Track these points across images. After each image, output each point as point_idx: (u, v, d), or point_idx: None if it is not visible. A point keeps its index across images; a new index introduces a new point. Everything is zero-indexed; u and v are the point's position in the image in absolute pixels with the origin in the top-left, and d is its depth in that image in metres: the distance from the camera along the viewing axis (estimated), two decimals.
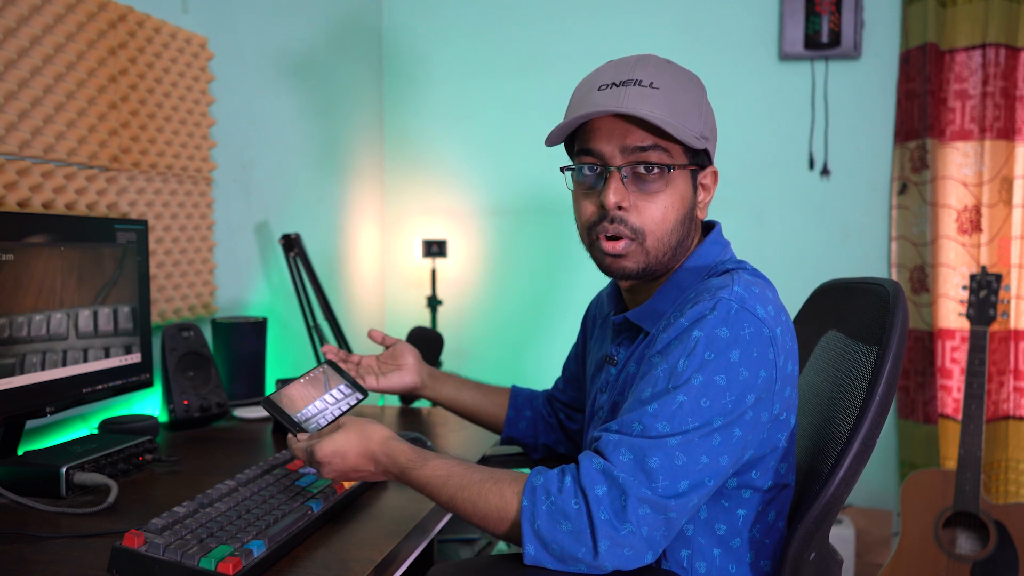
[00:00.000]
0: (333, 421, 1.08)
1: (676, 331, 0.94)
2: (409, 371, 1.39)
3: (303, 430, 1.05)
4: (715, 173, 1.08)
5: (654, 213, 1.01)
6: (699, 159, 1.05)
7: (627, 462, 0.87)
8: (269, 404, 1.07)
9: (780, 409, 0.96)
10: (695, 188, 1.05)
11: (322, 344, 2.07)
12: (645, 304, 1.06)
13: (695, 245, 1.09)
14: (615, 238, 1.01)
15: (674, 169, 1.01)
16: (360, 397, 1.16)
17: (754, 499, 1.00)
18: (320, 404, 1.11)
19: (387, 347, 1.42)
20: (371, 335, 1.41)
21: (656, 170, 1.00)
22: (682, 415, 0.88)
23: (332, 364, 1.19)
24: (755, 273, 1.04)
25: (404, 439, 1.39)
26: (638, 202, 1.01)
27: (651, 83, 0.99)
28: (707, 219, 1.12)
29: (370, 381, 1.38)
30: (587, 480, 0.87)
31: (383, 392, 1.39)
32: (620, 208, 1.00)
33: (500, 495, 0.91)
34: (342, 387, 1.16)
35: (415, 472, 0.98)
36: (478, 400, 1.41)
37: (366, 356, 1.41)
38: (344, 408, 1.12)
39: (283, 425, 1.10)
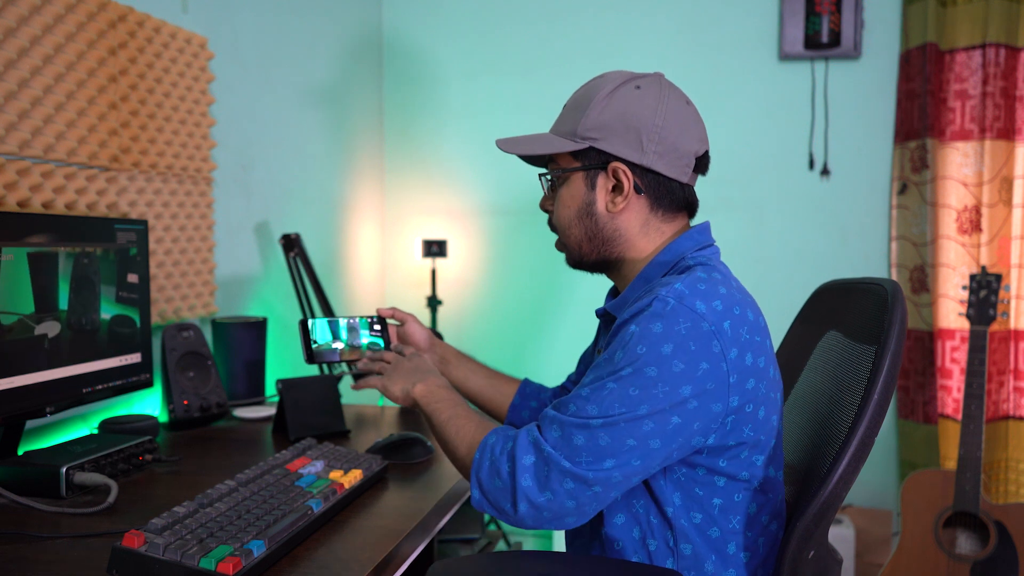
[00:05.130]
0: (341, 361, 1.35)
1: (618, 324, 1.00)
2: (422, 355, 1.41)
3: (313, 361, 1.30)
4: (623, 170, 1.07)
5: (556, 213, 1.16)
6: (588, 159, 1.09)
7: (556, 438, 0.97)
8: (303, 326, 1.33)
9: (741, 402, 0.97)
10: (592, 187, 1.10)
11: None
12: (619, 296, 1.13)
13: (667, 241, 1.10)
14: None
15: (560, 174, 1.13)
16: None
17: (730, 489, 1.01)
18: (337, 348, 1.36)
19: (399, 322, 1.45)
20: (379, 313, 1.43)
21: (548, 178, 1.16)
22: (609, 400, 0.96)
23: (382, 321, 1.40)
24: (713, 270, 1.03)
25: (406, 439, 1.41)
26: (554, 205, 1.17)
27: (565, 104, 1.14)
28: (699, 220, 1.14)
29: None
30: (520, 449, 0.98)
31: None
32: (547, 211, 1.19)
33: (466, 442, 1.07)
34: (374, 343, 1.37)
35: (431, 407, 1.17)
36: (485, 387, 1.44)
37: (400, 328, 1.45)
38: (355, 364, 1.36)
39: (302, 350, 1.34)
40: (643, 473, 0.97)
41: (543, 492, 0.96)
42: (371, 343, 1.41)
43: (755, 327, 0.99)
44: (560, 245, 1.18)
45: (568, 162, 1.12)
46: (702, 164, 1.12)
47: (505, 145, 1.17)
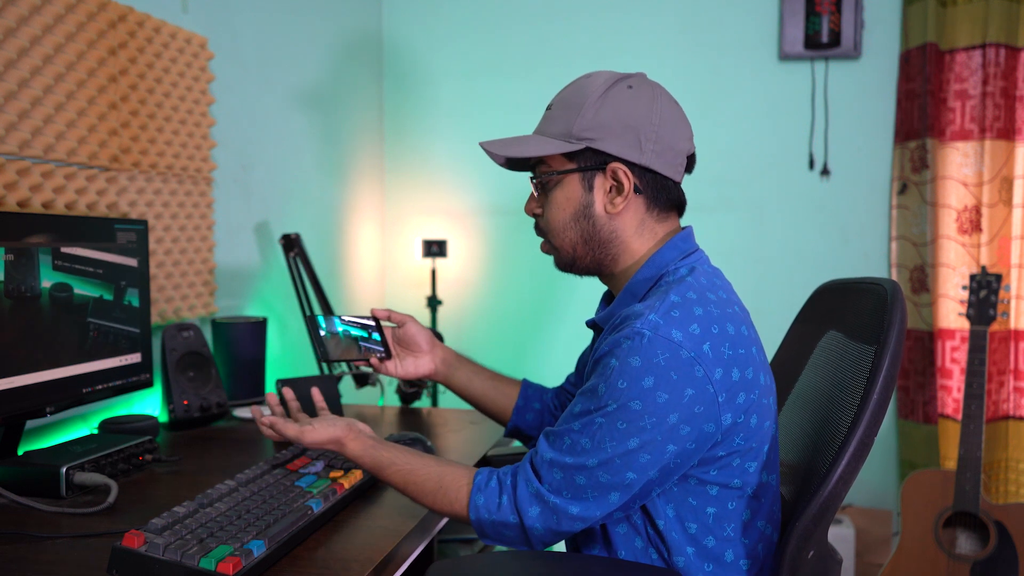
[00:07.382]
0: (348, 359, 1.32)
1: (598, 354, 1.00)
2: (424, 357, 1.38)
3: (326, 358, 1.30)
4: (623, 171, 1.06)
5: (547, 216, 1.13)
6: (584, 160, 1.08)
7: (559, 480, 0.99)
8: (312, 322, 1.31)
9: (734, 417, 0.97)
10: (590, 188, 1.09)
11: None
12: (608, 308, 1.11)
13: (659, 243, 1.10)
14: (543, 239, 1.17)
15: (553, 176, 1.10)
16: (382, 354, 1.34)
17: (723, 497, 1.01)
18: (348, 345, 1.33)
19: (397, 324, 1.39)
20: (374, 313, 1.36)
21: (538, 181, 1.12)
22: (600, 436, 0.97)
23: (376, 320, 1.35)
24: (688, 289, 1.01)
25: (406, 438, 1.40)
26: (544, 208, 1.14)
27: (551, 105, 1.12)
28: (684, 224, 1.15)
29: (388, 367, 1.38)
30: (523, 503, 1.00)
31: (400, 378, 1.38)
32: (535, 215, 1.16)
33: (451, 507, 1.05)
34: (373, 343, 1.34)
35: (379, 476, 1.11)
36: (488, 390, 1.41)
37: (399, 329, 1.39)
38: (365, 356, 1.33)
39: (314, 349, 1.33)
40: (644, 499, 1.00)
41: (557, 536, 1.01)
42: (362, 337, 1.37)
43: (738, 340, 0.99)
44: (548, 248, 1.16)
45: (561, 164, 1.09)
46: (690, 163, 1.13)
47: (492, 147, 1.12)
